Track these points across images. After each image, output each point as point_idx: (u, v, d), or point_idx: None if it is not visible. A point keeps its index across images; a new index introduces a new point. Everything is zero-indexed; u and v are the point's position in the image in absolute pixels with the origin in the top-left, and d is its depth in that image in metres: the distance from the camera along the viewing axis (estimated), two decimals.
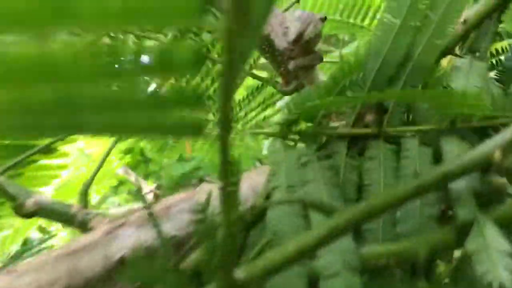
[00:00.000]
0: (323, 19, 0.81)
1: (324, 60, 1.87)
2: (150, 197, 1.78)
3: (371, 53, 0.62)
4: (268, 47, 0.77)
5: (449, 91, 0.57)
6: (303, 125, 0.62)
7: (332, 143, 0.62)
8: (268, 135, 0.62)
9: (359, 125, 0.62)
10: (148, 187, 1.84)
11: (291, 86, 0.79)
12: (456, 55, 0.67)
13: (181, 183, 1.48)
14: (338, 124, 0.64)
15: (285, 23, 0.76)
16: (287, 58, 0.78)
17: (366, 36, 1.70)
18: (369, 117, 0.62)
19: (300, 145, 0.62)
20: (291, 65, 0.77)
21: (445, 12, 0.61)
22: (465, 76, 0.65)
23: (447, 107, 0.55)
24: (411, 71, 0.62)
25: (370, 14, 1.55)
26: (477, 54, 0.71)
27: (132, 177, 1.89)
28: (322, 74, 0.79)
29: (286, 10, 0.87)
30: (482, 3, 0.68)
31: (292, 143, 0.63)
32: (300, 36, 0.75)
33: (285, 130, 0.62)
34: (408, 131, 0.61)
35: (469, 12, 0.67)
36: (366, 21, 1.58)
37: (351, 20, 1.59)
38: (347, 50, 1.80)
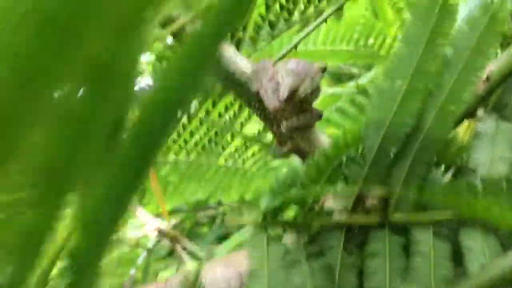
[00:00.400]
0: (323, 69, 0.71)
1: (338, 90, 1.77)
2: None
3: (371, 124, 0.51)
4: (257, 105, 0.67)
5: (469, 185, 0.46)
6: (290, 212, 0.51)
7: (326, 234, 0.51)
8: (248, 223, 0.52)
9: (359, 210, 0.51)
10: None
11: (285, 149, 0.68)
12: (477, 119, 0.55)
13: None
14: (333, 207, 0.53)
15: (276, 78, 0.66)
16: (279, 118, 0.67)
17: (383, 66, 1.59)
18: (371, 201, 0.51)
19: (287, 235, 0.51)
20: (284, 127, 0.67)
21: (463, 71, 0.50)
22: (490, 144, 0.53)
23: (469, 207, 0.43)
24: (421, 145, 0.50)
25: (387, 44, 1.44)
26: (504, 113, 0.59)
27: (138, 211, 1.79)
28: (323, 135, 0.68)
29: (282, 58, 0.76)
30: (508, 55, 0.56)
31: (277, 232, 0.52)
32: (293, 93, 0.65)
33: (269, 219, 0.51)
34: (420, 221, 0.49)
35: (492, 67, 0.55)
36: (382, 51, 1.47)
37: (368, 50, 1.48)
38: (364, 80, 1.68)
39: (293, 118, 0.66)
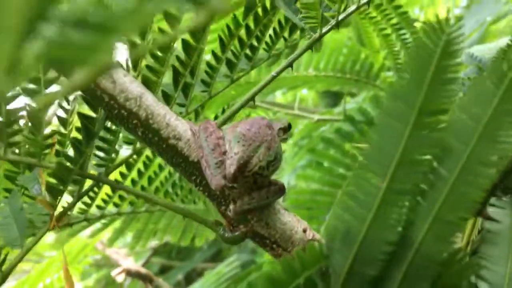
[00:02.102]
0: (286, 129, 0.54)
1: (326, 117, 1.60)
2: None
3: (338, 237, 0.34)
4: (198, 180, 0.50)
5: None
6: None
7: None
8: None
9: None
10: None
11: (237, 233, 0.52)
12: (488, 217, 0.39)
13: None
14: None
15: (221, 145, 0.50)
16: (227, 197, 0.51)
17: (371, 92, 1.44)
18: None
19: None
20: (232, 210, 0.51)
21: (468, 163, 0.34)
22: (507, 251, 0.37)
23: None
24: (411, 266, 0.34)
25: (374, 71, 1.28)
26: None
27: (109, 250, 1.63)
28: (285, 212, 0.51)
29: (232, 116, 0.59)
30: None
31: None
32: (244, 165, 0.50)
33: None
34: None
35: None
36: (371, 76, 1.32)
37: (354, 76, 1.33)
38: (351, 105, 1.53)
39: (245, 197, 0.50)
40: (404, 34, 1.05)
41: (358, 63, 1.24)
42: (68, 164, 0.51)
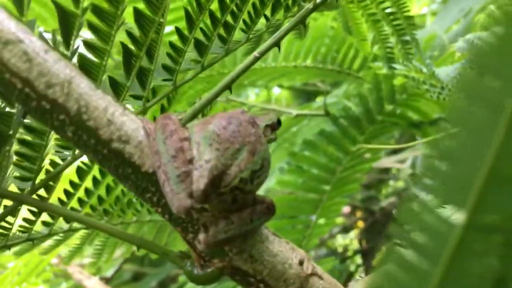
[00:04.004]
0: (274, 126, 0.39)
1: (306, 111, 1.47)
2: None
3: None
4: (155, 199, 0.34)
5: None
6: None
7: None
8: None
9: None
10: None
11: (210, 270, 0.36)
12: None
13: None
14: None
15: (186, 152, 0.34)
16: (195, 221, 0.35)
17: (353, 84, 1.31)
18: None
19: None
20: (203, 242, 0.34)
21: None
22: None
23: None
24: None
25: (359, 61, 1.15)
26: None
27: (71, 268, 1.46)
28: (275, 239, 0.36)
29: (202, 110, 0.43)
30: None
31: None
32: (217, 179, 0.33)
33: None
34: None
35: None
36: (354, 67, 1.18)
37: (336, 68, 1.19)
38: (332, 99, 1.40)
39: (221, 222, 0.34)
40: (396, 19, 0.92)
41: (341, 52, 1.10)
42: None
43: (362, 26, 0.97)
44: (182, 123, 0.36)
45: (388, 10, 0.89)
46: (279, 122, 0.39)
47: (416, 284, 0.19)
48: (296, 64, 1.20)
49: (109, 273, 1.90)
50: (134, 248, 1.25)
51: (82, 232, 0.92)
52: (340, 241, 2.18)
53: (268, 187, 1.29)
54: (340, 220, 1.95)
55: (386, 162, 1.71)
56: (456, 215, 0.18)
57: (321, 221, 1.16)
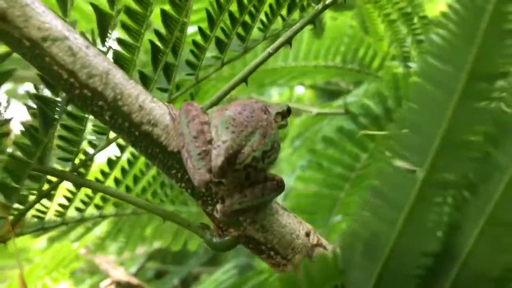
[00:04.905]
0: (284, 114, 0.45)
1: (327, 110, 1.51)
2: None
3: (362, 245, 0.25)
4: (179, 174, 0.41)
5: None
6: None
7: None
8: None
9: None
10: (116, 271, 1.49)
11: (227, 238, 0.42)
12: None
13: None
14: None
15: (206, 133, 0.41)
16: (214, 194, 0.41)
17: (373, 83, 1.34)
18: None
19: None
20: (220, 210, 0.41)
21: None
22: None
23: None
24: (455, 285, 0.25)
25: (378, 60, 1.19)
26: None
27: (98, 259, 1.54)
28: (284, 212, 0.41)
29: (221, 100, 0.49)
30: None
31: None
32: (234, 156, 0.39)
33: None
34: None
35: None
36: (373, 66, 1.22)
37: (355, 67, 1.23)
38: (352, 98, 1.44)
39: (235, 195, 0.40)
40: (411, 19, 0.96)
41: (360, 52, 1.14)
42: (23, 156, 0.42)
43: (379, 26, 1.01)
44: (202, 110, 0.42)
45: (403, 11, 0.94)
46: (288, 111, 0.45)
47: (385, 227, 0.24)
48: (316, 63, 1.25)
49: (132, 270, 1.98)
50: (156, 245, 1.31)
51: (110, 221, 0.99)
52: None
53: (289, 185, 1.34)
54: None
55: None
56: (417, 174, 0.24)
57: (340, 218, 1.20)
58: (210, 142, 0.40)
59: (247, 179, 0.40)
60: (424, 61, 0.24)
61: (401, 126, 0.24)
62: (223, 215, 0.40)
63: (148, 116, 0.40)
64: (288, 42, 0.53)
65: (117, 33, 0.50)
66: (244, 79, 0.50)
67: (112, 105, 0.39)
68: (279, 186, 0.42)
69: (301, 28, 0.53)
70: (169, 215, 0.44)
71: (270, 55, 0.51)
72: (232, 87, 0.49)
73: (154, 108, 0.41)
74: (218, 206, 0.40)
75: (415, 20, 0.95)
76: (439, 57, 0.24)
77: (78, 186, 0.46)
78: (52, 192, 0.47)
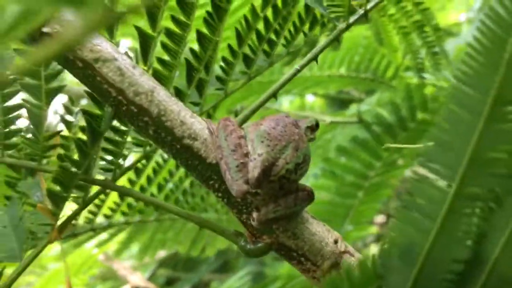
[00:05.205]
0: (314, 128, 0.48)
1: (340, 118, 1.54)
2: None
3: (395, 253, 0.28)
4: (217, 185, 0.44)
5: None
6: None
7: None
8: None
9: None
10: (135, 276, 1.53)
11: (260, 245, 0.46)
12: None
13: None
14: None
15: (243, 147, 0.44)
16: (249, 204, 0.45)
17: (386, 92, 1.37)
18: None
19: None
20: (256, 219, 0.44)
21: None
22: None
23: None
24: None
25: (391, 70, 1.22)
26: None
27: (116, 264, 1.57)
28: (314, 221, 0.45)
29: (253, 114, 0.52)
30: None
31: None
32: (269, 168, 0.42)
33: None
34: None
35: None
36: (387, 76, 1.25)
37: (369, 76, 1.26)
38: (365, 107, 1.47)
39: (270, 204, 0.44)
40: (425, 32, 0.99)
41: (374, 61, 1.17)
42: (71, 167, 0.45)
43: (394, 38, 1.04)
44: (238, 124, 0.45)
45: (418, 24, 0.97)
46: (317, 125, 0.48)
47: (419, 236, 0.27)
48: (330, 73, 1.28)
49: (145, 276, 2.00)
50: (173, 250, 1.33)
51: (131, 227, 1.02)
52: (374, 250, 2.22)
53: None
54: (374, 229, 2.00)
55: (421, 170, 1.76)
56: (449, 187, 0.27)
57: (354, 227, 1.22)
58: (247, 155, 0.43)
59: (281, 189, 0.43)
60: (455, 86, 0.27)
61: (434, 143, 0.27)
62: (259, 223, 0.43)
63: (189, 130, 0.44)
64: (315, 59, 0.56)
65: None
66: (274, 94, 0.53)
67: (156, 120, 0.43)
68: (310, 196, 0.45)
69: (327, 46, 0.56)
70: (205, 222, 0.47)
71: (298, 71, 0.54)
72: (264, 102, 0.52)
73: (194, 123, 0.44)
74: (254, 215, 0.44)
75: (429, 32, 0.97)
76: (468, 83, 0.27)
77: (121, 195, 0.49)
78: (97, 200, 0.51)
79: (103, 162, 0.50)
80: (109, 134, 0.49)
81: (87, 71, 0.41)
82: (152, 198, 0.56)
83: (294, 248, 0.45)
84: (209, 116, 0.77)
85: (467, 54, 0.27)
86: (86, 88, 0.44)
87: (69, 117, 0.54)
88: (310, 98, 2.05)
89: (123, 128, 0.49)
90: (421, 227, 0.27)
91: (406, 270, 0.27)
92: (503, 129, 0.26)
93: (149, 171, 0.81)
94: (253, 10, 0.56)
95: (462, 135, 0.27)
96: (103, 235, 1.02)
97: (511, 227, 0.27)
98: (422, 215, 0.27)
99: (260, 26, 0.58)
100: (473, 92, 0.26)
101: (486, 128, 0.26)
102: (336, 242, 0.46)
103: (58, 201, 0.46)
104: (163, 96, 0.44)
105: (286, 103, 2.04)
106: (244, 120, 0.50)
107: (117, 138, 0.49)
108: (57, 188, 0.45)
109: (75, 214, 0.48)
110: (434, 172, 0.27)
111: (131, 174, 0.77)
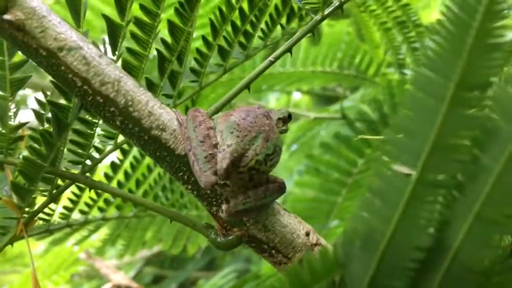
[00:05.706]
0: (285, 120, 0.47)
1: (324, 114, 1.54)
2: None
3: (360, 240, 0.28)
4: (185, 177, 0.43)
5: None
6: None
7: None
8: None
9: None
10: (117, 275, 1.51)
11: (230, 237, 0.45)
12: None
13: None
14: None
15: (211, 138, 0.43)
16: (219, 196, 0.43)
17: (370, 88, 1.37)
18: None
19: None
20: (225, 211, 0.44)
21: None
22: None
23: None
24: (446, 276, 0.27)
25: (374, 67, 1.22)
26: None
27: (98, 263, 1.55)
28: (285, 213, 0.44)
29: (225, 106, 0.52)
30: None
31: None
32: (238, 159, 0.41)
33: None
34: None
35: None
36: (370, 73, 1.25)
37: (352, 72, 1.26)
38: (349, 103, 1.46)
39: (239, 196, 0.43)
40: (406, 28, 0.99)
41: (356, 58, 1.17)
42: (37, 159, 0.44)
43: (375, 34, 1.04)
44: (208, 116, 0.45)
45: (398, 19, 0.97)
46: (289, 116, 0.48)
47: (380, 224, 0.26)
48: (313, 69, 1.27)
49: (130, 275, 1.99)
50: (156, 248, 1.32)
51: (110, 224, 1.01)
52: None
53: (287, 190, 1.35)
54: None
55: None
56: (410, 174, 0.26)
57: (338, 223, 1.21)
58: (215, 146, 0.42)
59: (250, 181, 0.42)
60: (417, 71, 0.26)
61: (396, 131, 0.26)
62: (228, 215, 0.42)
63: (157, 121, 0.43)
64: (289, 50, 0.55)
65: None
66: (247, 86, 0.52)
67: (123, 111, 0.42)
68: (281, 188, 0.44)
69: (301, 37, 0.55)
70: (176, 216, 0.46)
71: (271, 63, 0.54)
72: (235, 94, 0.51)
73: (163, 114, 0.43)
74: (223, 207, 0.43)
75: (410, 28, 0.97)
76: (431, 67, 0.26)
77: (89, 188, 0.48)
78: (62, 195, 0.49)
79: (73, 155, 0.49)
80: (78, 126, 0.48)
81: (51, 60, 0.40)
82: (119, 189, 0.55)
83: (265, 240, 0.44)
84: (187, 110, 0.76)
85: (430, 38, 0.26)
86: (52, 79, 0.43)
87: (40, 110, 0.53)
88: (296, 96, 2.05)
89: (91, 119, 0.48)
90: (382, 215, 0.26)
91: (367, 258, 0.27)
92: (465, 114, 0.26)
93: (126, 166, 0.80)
94: (227, 0, 0.55)
95: (425, 121, 0.26)
96: (84, 232, 1.01)
97: (474, 215, 0.26)
98: (383, 203, 0.26)
99: (236, 17, 0.57)
100: (436, 76, 0.26)
101: (448, 114, 0.26)
102: (307, 234, 0.45)
103: (23, 194, 0.45)
104: (131, 86, 0.43)
105: (273, 100, 2.03)
106: (215, 112, 0.49)
107: (85, 129, 0.47)
108: (22, 181, 0.44)
109: (41, 208, 0.47)
110: (396, 159, 0.26)
111: (107, 169, 0.76)
